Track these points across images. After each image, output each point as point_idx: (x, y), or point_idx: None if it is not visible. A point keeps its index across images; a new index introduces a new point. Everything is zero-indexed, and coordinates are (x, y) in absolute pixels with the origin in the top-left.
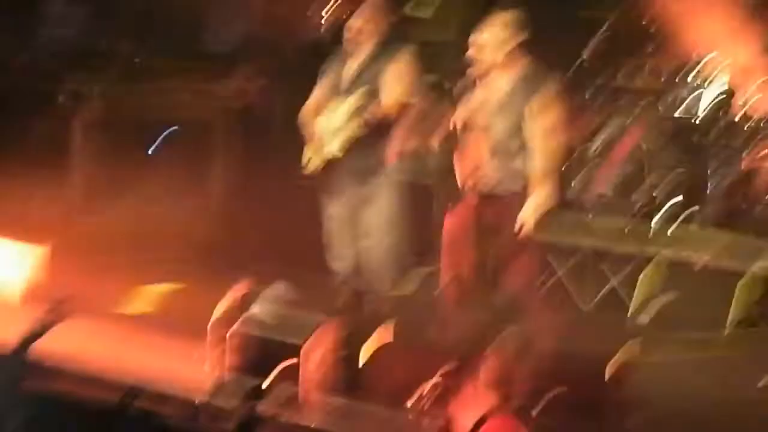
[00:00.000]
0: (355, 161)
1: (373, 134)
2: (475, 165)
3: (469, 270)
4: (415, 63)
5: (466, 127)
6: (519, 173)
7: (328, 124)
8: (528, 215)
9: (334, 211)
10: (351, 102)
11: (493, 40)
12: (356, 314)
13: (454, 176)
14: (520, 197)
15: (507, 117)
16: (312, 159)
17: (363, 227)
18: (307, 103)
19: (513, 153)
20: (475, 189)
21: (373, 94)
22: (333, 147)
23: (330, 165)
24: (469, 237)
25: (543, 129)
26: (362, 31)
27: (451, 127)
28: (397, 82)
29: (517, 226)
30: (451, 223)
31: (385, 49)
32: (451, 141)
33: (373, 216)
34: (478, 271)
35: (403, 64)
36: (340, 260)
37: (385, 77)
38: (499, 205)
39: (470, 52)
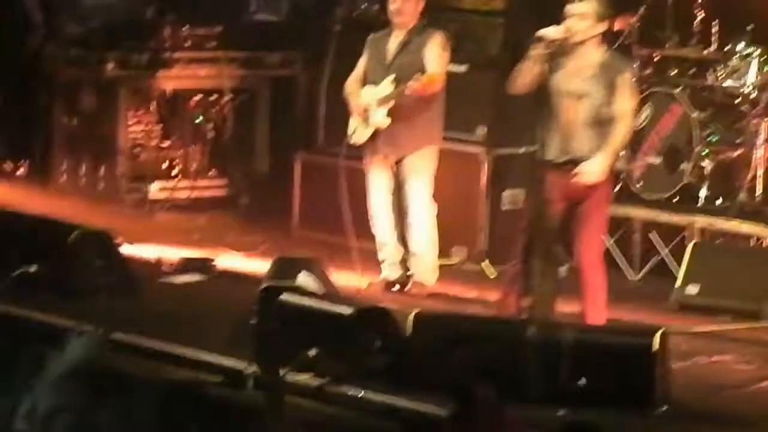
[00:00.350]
0: (398, 132)
1: (416, 106)
2: (566, 133)
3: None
4: (452, 39)
5: (556, 94)
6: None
7: (373, 95)
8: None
9: (374, 184)
10: (394, 75)
11: (595, 10)
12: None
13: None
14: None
15: (601, 86)
16: (357, 130)
17: (406, 199)
18: (352, 74)
19: (604, 122)
20: (564, 157)
21: (414, 68)
22: (377, 118)
23: (375, 136)
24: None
25: (631, 101)
26: (404, 6)
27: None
28: (438, 56)
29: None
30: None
31: (427, 24)
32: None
33: (412, 191)
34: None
35: (443, 39)
36: (384, 231)
37: (426, 52)
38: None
39: (569, 21)
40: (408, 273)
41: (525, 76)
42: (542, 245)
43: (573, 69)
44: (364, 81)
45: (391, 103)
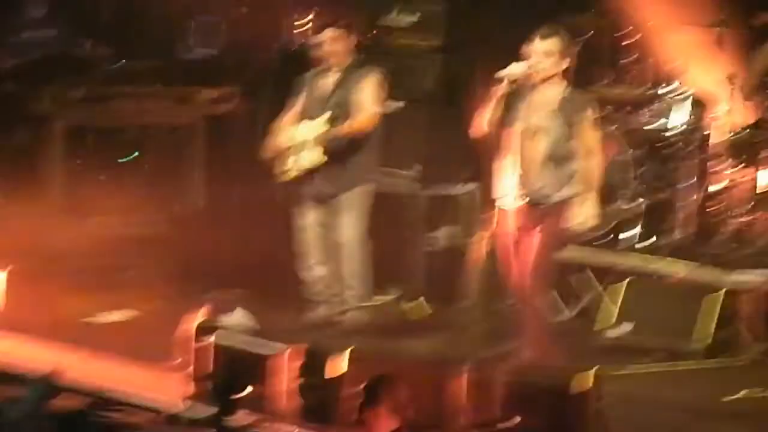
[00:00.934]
0: (333, 170)
1: (349, 145)
2: (524, 168)
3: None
4: (389, 76)
5: (515, 130)
6: (568, 181)
7: (309, 132)
8: (580, 221)
9: (307, 221)
10: (330, 113)
11: (560, 47)
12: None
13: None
14: (567, 205)
15: (560, 123)
16: (288, 169)
17: (340, 236)
18: (291, 110)
19: (561, 158)
20: (522, 196)
21: (349, 107)
22: (313, 156)
23: (305, 175)
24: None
25: (595, 137)
26: (335, 46)
27: (487, 131)
28: (371, 95)
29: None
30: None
31: (364, 61)
32: (490, 146)
33: (345, 228)
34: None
35: (378, 77)
36: (311, 271)
37: (361, 90)
38: (544, 212)
39: (533, 59)
40: (341, 309)
41: (487, 114)
42: (485, 282)
43: (533, 105)
44: (303, 117)
45: (326, 141)
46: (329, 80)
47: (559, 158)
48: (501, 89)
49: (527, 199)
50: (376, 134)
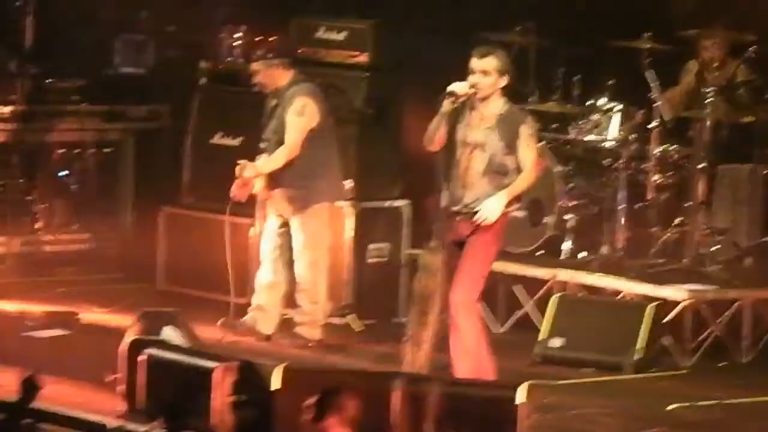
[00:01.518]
0: (281, 196)
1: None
2: (463, 182)
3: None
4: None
5: (458, 145)
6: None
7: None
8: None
9: (267, 231)
10: (267, 142)
11: (497, 66)
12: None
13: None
14: (503, 218)
15: (499, 138)
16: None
17: (290, 255)
18: None
19: (500, 173)
20: (463, 209)
21: (278, 135)
22: (257, 186)
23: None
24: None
25: (531, 151)
26: (266, 77)
27: (433, 145)
28: (292, 123)
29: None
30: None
31: (292, 86)
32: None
33: (300, 246)
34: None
35: (299, 105)
36: (261, 280)
37: (286, 118)
38: (478, 226)
39: (473, 77)
40: (292, 324)
41: (436, 131)
42: (423, 296)
43: (475, 120)
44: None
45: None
46: (271, 105)
47: (494, 173)
48: (448, 105)
49: (463, 213)
50: (324, 152)
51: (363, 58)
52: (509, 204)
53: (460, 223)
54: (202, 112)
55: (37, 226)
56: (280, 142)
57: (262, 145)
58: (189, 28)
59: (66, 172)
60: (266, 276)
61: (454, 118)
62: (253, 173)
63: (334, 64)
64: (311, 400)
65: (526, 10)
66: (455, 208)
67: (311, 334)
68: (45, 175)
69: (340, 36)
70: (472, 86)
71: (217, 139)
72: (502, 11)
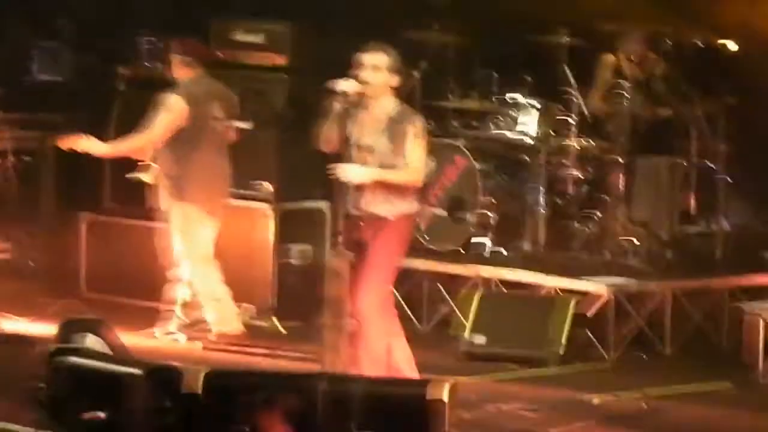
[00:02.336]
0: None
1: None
2: (359, 187)
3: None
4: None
5: (350, 146)
6: (398, 196)
7: None
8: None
9: (166, 242)
10: None
11: (388, 63)
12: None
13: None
14: (399, 221)
15: (389, 139)
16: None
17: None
18: None
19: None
20: (359, 210)
21: None
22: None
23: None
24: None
25: (417, 152)
26: (177, 71)
27: (327, 146)
28: (161, 115)
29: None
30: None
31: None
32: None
33: (201, 248)
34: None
35: (174, 99)
36: (171, 290)
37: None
38: (377, 228)
39: (362, 74)
40: (201, 327)
41: (328, 132)
42: (333, 298)
43: (367, 122)
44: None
45: None
46: None
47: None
48: (337, 104)
49: (362, 216)
50: (197, 154)
51: (282, 60)
52: (404, 201)
53: (361, 227)
54: (121, 118)
55: None
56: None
57: None
58: (106, 34)
59: None
60: (178, 278)
61: (346, 118)
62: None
63: (254, 67)
64: (248, 401)
65: (445, 9)
66: (354, 212)
67: (228, 329)
68: None
69: (259, 38)
70: (362, 83)
71: None
72: (421, 10)
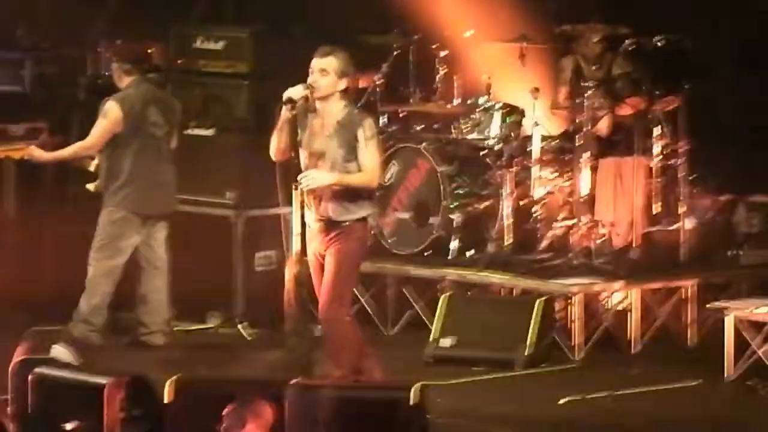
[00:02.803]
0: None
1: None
2: (316, 194)
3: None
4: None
5: (303, 153)
6: (353, 201)
7: None
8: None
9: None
10: None
11: (336, 66)
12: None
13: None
14: (357, 225)
15: (340, 144)
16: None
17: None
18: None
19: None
20: (316, 219)
21: None
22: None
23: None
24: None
25: (370, 155)
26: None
27: (278, 155)
28: (98, 121)
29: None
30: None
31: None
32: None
33: (154, 251)
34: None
35: (109, 106)
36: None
37: None
38: (336, 234)
39: (312, 77)
40: (146, 331)
41: (279, 140)
42: (298, 304)
43: (317, 128)
44: None
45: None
46: None
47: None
48: (286, 112)
49: (320, 222)
50: (129, 160)
51: (242, 66)
52: (360, 206)
53: (319, 234)
54: (82, 128)
55: None
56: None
57: None
58: (66, 43)
59: None
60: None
61: (295, 125)
62: None
63: (214, 74)
64: (228, 409)
65: (405, 14)
66: (311, 219)
67: (162, 340)
68: None
69: (219, 45)
70: (309, 86)
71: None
72: (380, 15)
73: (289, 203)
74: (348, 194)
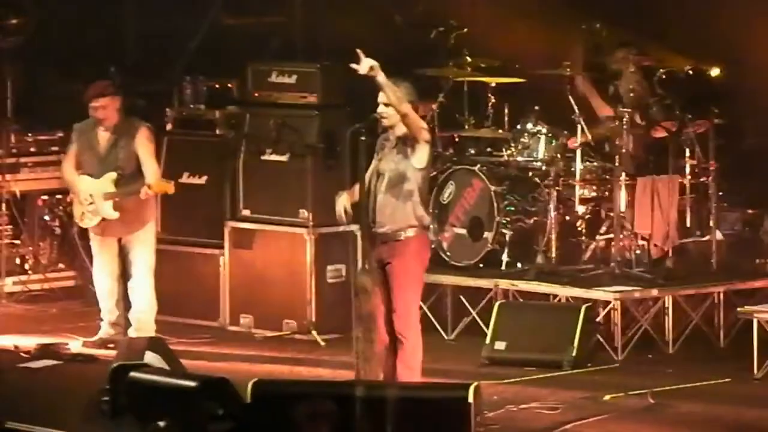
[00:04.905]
0: (124, 218)
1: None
2: (375, 205)
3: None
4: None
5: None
6: (410, 218)
7: (97, 188)
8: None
9: (105, 255)
10: (115, 173)
11: (397, 98)
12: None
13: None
14: (418, 238)
15: (398, 165)
16: (85, 215)
17: (131, 267)
18: (66, 160)
19: (397, 183)
20: (377, 227)
21: (132, 164)
22: (106, 211)
23: (103, 219)
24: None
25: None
26: (107, 112)
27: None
28: (148, 153)
29: None
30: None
31: (127, 121)
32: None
33: (141, 258)
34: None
35: (148, 131)
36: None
37: (138, 148)
38: (395, 248)
39: (379, 108)
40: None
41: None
42: (364, 315)
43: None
44: (79, 168)
45: (116, 198)
46: (102, 138)
47: (394, 185)
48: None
49: (381, 237)
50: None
51: (312, 98)
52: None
53: (381, 247)
54: (170, 155)
55: (26, 266)
56: (130, 172)
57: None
58: (154, 79)
59: (48, 217)
60: (105, 291)
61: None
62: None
63: (287, 105)
64: (302, 409)
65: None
66: (374, 234)
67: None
68: (31, 221)
69: (292, 79)
70: (379, 116)
71: (185, 179)
72: (434, 48)
73: (356, 221)
74: (400, 194)
